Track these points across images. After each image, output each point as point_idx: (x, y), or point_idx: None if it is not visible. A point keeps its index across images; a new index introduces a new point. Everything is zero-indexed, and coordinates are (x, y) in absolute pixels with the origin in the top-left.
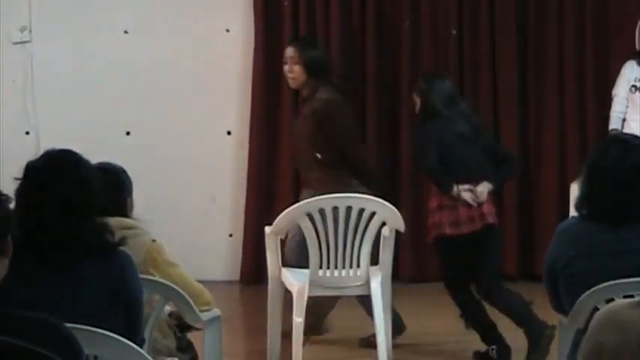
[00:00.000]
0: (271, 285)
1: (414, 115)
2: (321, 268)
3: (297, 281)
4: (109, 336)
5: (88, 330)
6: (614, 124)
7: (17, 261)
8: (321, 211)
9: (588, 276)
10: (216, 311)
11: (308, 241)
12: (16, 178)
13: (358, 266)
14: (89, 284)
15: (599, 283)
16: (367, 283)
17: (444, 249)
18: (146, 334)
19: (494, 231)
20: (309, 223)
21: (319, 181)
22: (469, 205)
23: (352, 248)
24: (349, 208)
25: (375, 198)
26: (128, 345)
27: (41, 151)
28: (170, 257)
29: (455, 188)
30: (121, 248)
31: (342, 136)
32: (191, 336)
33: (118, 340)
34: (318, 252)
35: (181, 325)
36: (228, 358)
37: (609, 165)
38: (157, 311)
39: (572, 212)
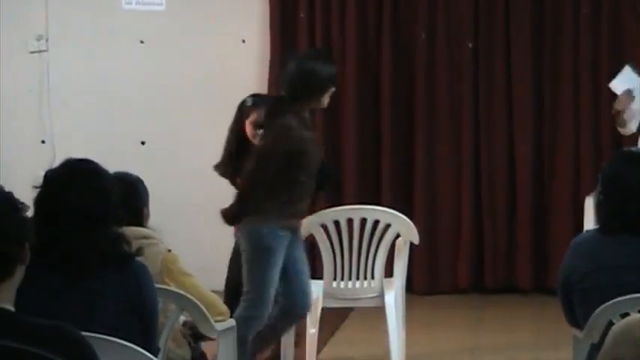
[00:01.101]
0: None
1: (430, 130)
2: (335, 279)
3: None
4: (124, 345)
5: (104, 339)
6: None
7: (34, 269)
8: (336, 223)
9: (604, 290)
10: (230, 321)
11: (322, 253)
12: (35, 187)
13: (372, 278)
14: (105, 293)
15: (614, 297)
16: (381, 295)
17: None
18: (161, 344)
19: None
20: (323, 234)
21: None
22: None
23: (366, 260)
24: (364, 220)
25: (390, 210)
26: (143, 354)
27: (57, 160)
28: (185, 267)
29: None
30: (137, 258)
31: None
32: (204, 346)
33: (133, 349)
34: (333, 263)
35: (195, 335)
36: None
37: (631, 179)
38: (172, 321)
39: (587, 225)
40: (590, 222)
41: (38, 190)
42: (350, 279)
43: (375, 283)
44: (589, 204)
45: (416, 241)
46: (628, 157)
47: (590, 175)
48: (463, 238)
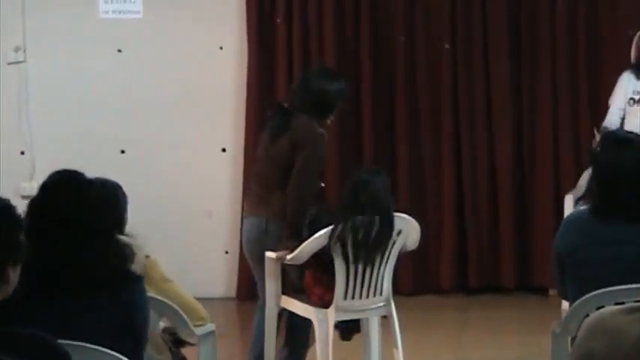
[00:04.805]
0: (268, 304)
1: (411, 132)
2: (345, 298)
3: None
4: (104, 352)
5: (83, 346)
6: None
7: (26, 285)
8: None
9: (595, 263)
10: (210, 326)
11: (337, 269)
12: (23, 196)
13: (382, 288)
14: (99, 308)
15: (604, 270)
16: (388, 304)
17: None
18: None
19: None
20: (340, 249)
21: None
22: None
23: (378, 273)
24: None
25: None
26: None
27: (36, 171)
28: (165, 273)
29: None
30: (134, 272)
31: None
32: (185, 351)
33: (113, 355)
34: (345, 281)
35: (176, 341)
36: None
37: (625, 164)
38: (152, 327)
39: None
40: None
41: (34, 202)
42: (360, 297)
43: (384, 292)
44: (569, 202)
45: (415, 245)
46: (620, 141)
47: (570, 173)
48: (446, 238)
